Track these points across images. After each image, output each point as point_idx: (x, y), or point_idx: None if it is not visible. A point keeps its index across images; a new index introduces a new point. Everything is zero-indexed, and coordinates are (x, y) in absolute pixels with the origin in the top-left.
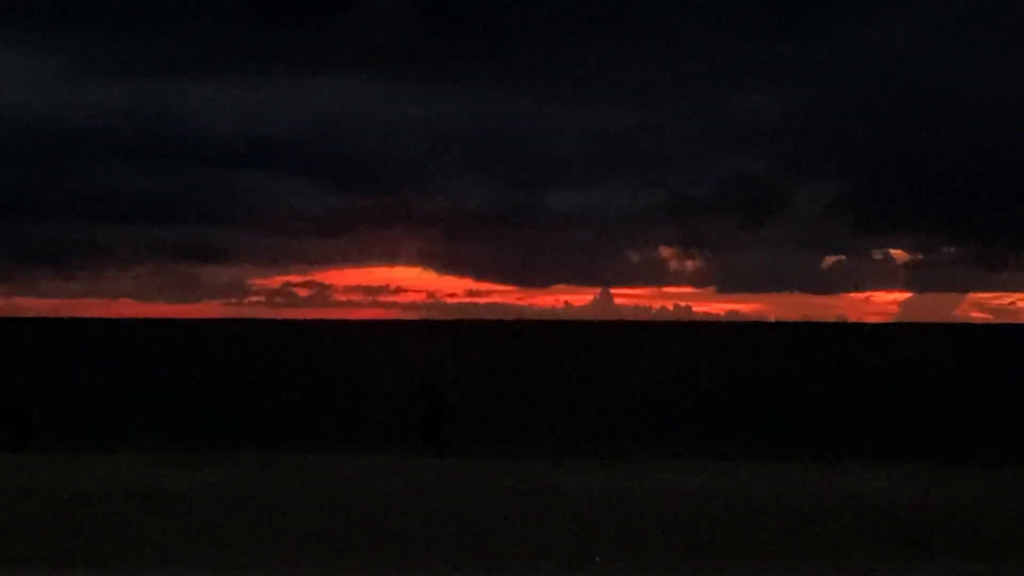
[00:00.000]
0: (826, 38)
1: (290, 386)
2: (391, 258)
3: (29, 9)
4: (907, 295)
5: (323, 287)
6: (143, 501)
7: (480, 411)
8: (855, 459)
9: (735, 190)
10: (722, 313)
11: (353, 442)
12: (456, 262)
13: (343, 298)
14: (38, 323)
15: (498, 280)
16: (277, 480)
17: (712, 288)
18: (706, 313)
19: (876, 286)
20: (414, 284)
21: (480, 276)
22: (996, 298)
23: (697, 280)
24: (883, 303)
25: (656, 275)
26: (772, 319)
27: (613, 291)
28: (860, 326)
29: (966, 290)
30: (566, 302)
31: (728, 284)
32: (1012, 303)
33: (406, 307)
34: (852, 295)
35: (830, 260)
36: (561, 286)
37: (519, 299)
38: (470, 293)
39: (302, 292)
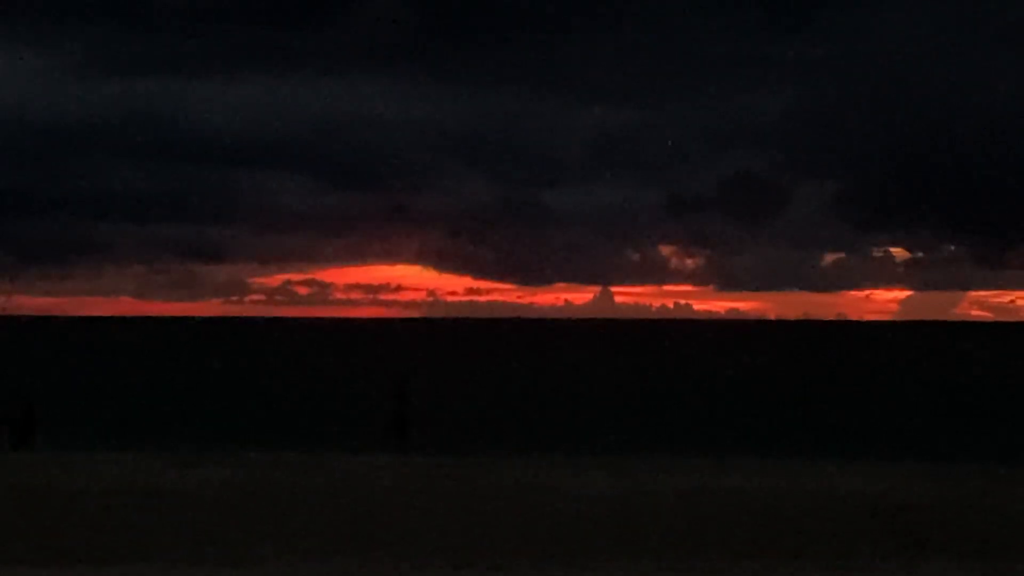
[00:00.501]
0: (826, 36)
1: (290, 384)
2: (391, 256)
3: (29, 8)
4: (907, 293)
5: (323, 285)
6: (143, 499)
7: (480, 409)
8: (855, 458)
9: (735, 188)
10: (722, 311)
11: (353, 440)
12: (456, 260)
13: (343, 296)
14: (37, 321)
15: (498, 278)
16: (278, 478)
17: (712, 286)
18: (706, 311)
19: (876, 284)
20: (414, 282)
21: (480, 274)
22: (996, 296)
23: (697, 278)
24: (883, 301)
25: (656, 273)
26: (772, 317)
27: (613, 289)
28: (860, 324)
29: (966, 288)
30: (566, 300)
31: (728, 282)
32: (1012, 301)
33: (406, 305)
34: (852, 293)
35: (830, 258)
36: (561, 284)
37: (519, 297)
38: (470, 291)
39: (302, 290)
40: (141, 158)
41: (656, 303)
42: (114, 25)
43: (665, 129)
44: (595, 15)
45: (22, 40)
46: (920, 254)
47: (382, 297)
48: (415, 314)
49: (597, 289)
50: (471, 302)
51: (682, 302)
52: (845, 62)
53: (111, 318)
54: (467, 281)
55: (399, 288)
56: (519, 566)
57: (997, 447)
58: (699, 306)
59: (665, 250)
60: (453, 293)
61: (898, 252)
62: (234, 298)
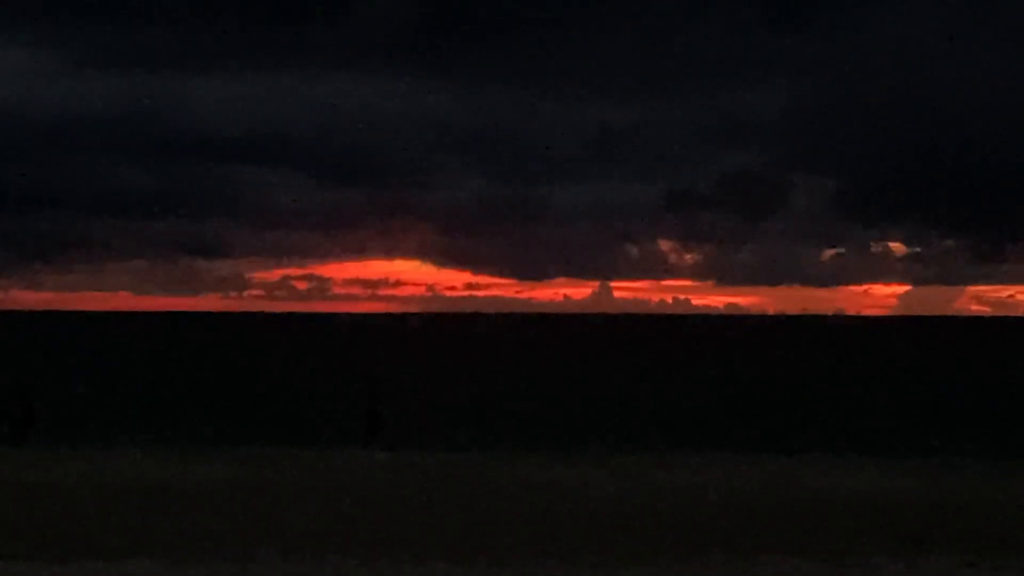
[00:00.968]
0: (826, 33)
1: (290, 381)
2: (390, 252)
3: (27, 4)
4: (906, 288)
5: (322, 280)
6: (142, 496)
7: (480, 408)
8: (854, 454)
9: (734, 184)
10: (721, 306)
11: (353, 437)
12: (455, 255)
13: (342, 291)
14: (37, 316)
15: (497, 273)
16: (277, 475)
17: (711, 281)
18: (705, 306)
19: (875, 279)
20: (413, 277)
21: (479, 270)
22: (995, 291)
23: (696, 273)
24: (882, 296)
25: (655, 268)
26: (771, 312)
27: (612, 284)
28: (859, 319)
29: (965, 283)
30: (565, 295)
31: (727, 277)
32: (1011, 296)
33: (405, 300)
34: (851, 288)
35: (829, 253)
36: (560, 279)
37: (518, 292)
38: (469, 286)
39: (301, 285)
40: (141, 154)
41: (655, 298)
42: (113, 21)
43: (665, 124)
44: (595, 10)
45: (21, 35)
46: (919, 249)
47: (381, 292)
48: (414, 309)
49: (596, 284)
50: (470, 297)
51: (681, 297)
52: (844, 59)
53: (111, 313)
54: (466, 276)
55: (398, 283)
56: (518, 563)
57: (997, 442)
58: (698, 301)
59: (664, 245)
60: (452, 288)
61: (897, 247)
62: (233, 293)
